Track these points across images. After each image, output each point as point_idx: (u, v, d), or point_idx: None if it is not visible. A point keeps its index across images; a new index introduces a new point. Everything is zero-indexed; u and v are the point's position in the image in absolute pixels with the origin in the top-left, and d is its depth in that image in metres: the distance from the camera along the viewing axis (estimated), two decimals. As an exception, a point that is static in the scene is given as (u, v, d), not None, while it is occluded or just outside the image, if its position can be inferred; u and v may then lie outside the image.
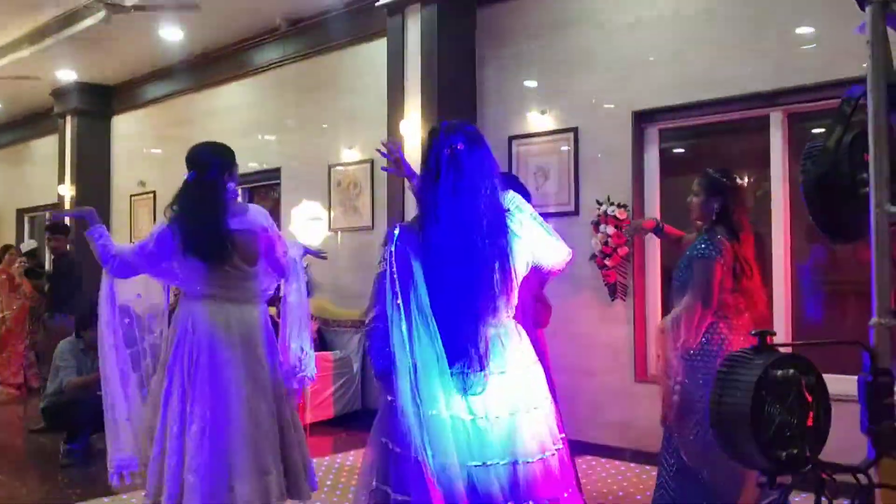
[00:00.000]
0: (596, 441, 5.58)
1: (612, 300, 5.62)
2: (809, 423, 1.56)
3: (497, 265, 2.31)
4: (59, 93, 10.33)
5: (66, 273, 7.59)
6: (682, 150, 5.98)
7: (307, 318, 3.75)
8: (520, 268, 2.39)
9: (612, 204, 5.57)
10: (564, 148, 5.89)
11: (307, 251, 3.92)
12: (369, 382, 7.07)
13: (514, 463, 2.28)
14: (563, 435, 2.49)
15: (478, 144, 2.41)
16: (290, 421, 3.53)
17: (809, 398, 1.55)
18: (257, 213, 3.52)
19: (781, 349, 1.60)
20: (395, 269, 2.31)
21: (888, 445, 1.56)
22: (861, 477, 1.54)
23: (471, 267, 2.28)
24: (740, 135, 5.68)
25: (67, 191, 10.29)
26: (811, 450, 1.56)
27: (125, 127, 10.41)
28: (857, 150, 1.69)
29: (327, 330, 7.23)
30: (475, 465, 2.25)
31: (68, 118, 10.38)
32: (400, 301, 2.28)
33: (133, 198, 10.06)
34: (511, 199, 2.44)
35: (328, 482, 4.86)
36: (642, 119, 5.59)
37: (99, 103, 10.30)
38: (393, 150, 2.69)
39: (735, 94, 5.11)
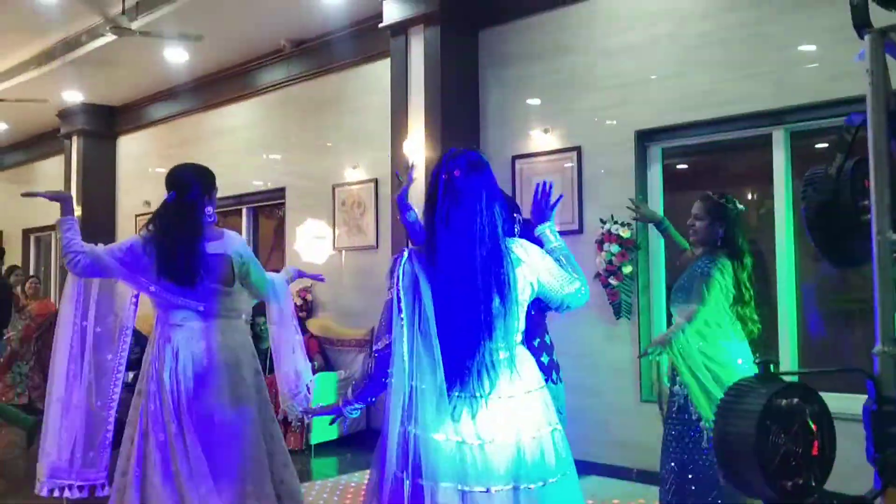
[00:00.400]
0: (601, 461, 5.56)
1: (617, 319, 5.61)
2: (814, 452, 1.56)
3: (495, 291, 2.30)
4: (66, 114, 10.40)
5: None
6: (684, 167, 5.98)
7: (294, 338, 3.63)
8: (522, 293, 2.38)
9: (615, 223, 5.58)
10: (568, 165, 5.90)
11: (301, 274, 3.85)
12: (375, 403, 7.05)
13: (517, 489, 2.26)
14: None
15: (477, 170, 2.38)
16: (280, 443, 3.48)
17: (815, 427, 1.55)
18: (233, 239, 3.46)
19: (786, 377, 1.59)
20: (400, 289, 2.32)
21: (894, 475, 1.55)
22: (867, 507, 1.53)
23: (468, 293, 2.28)
24: (742, 152, 5.70)
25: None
26: (816, 479, 1.55)
27: (130, 147, 10.46)
28: (859, 176, 1.69)
29: (331, 349, 7.22)
30: (478, 491, 2.24)
31: (74, 139, 10.45)
32: (404, 321, 2.29)
33: (138, 217, 10.08)
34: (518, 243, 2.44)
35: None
36: (645, 138, 5.61)
37: (104, 124, 10.37)
38: (408, 176, 2.69)
39: (737, 112, 5.12)
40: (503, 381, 2.32)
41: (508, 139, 6.29)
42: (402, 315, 2.31)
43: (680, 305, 3.62)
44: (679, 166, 5.91)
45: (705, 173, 6.07)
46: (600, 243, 5.62)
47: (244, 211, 8.83)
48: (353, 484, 5.39)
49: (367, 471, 5.78)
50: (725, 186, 5.98)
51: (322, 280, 4.17)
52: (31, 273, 10.80)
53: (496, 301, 2.30)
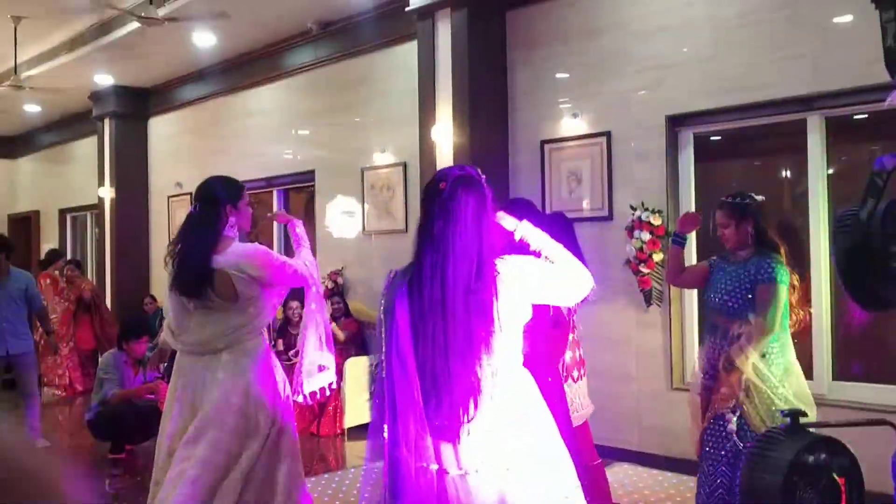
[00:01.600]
0: (632, 448, 5.59)
1: (648, 306, 5.58)
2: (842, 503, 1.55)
3: (477, 313, 2.18)
4: (97, 96, 10.49)
5: None
6: (718, 138, 5.82)
7: (319, 327, 3.61)
8: (510, 315, 2.22)
9: (646, 209, 5.52)
10: (598, 150, 5.83)
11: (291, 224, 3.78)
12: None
13: None
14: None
15: (466, 185, 2.28)
16: (264, 462, 3.30)
17: (842, 482, 1.54)
18: (244, 256, 3.29)
19: (814, 430, 1.58)
20: (381, 317, 2.30)
21: (923, 528, 1.54)
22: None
23: (449, 319, 2.18)
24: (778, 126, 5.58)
25: (107, 193, 10.48)
26: (843, 534, 1.55)
27: (161, 129, 10.55)
28: (890, 219, 1.65)
29: (364, 332, 7.29)
30: None
31: (106, 121, 10.55)
32: (384, 349, 2.26)
33: (170, 199, 10.20)
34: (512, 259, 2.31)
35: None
36: (676, 123, 5.52)
37: (136, 106, 10.45)
38: None
39: (771, 98, 5.01)
40: (487, 409, 2.18)
41: (537, 124, 6.23)
42: (383, 345, 2.27)
43: (737, 315, 3.51)
44: (713, 137, 5.75)
45: (740, 142, 5.91)
46: (630, 230, 5.57)
47: (274, 193, 8.88)
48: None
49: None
50: (761, 156, 5.90)
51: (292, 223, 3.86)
52: (69, 257, 10.99)
53: (480, 327, 2.17)
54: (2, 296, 6.05)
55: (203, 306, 3.26)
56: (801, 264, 5.20)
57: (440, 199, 2.26)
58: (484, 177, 2.38)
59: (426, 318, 2.20)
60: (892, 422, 1.63)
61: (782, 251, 3.64)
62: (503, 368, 2.22)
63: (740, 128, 5.41)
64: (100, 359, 6.01)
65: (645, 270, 5.53)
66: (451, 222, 2.22)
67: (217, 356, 3.27)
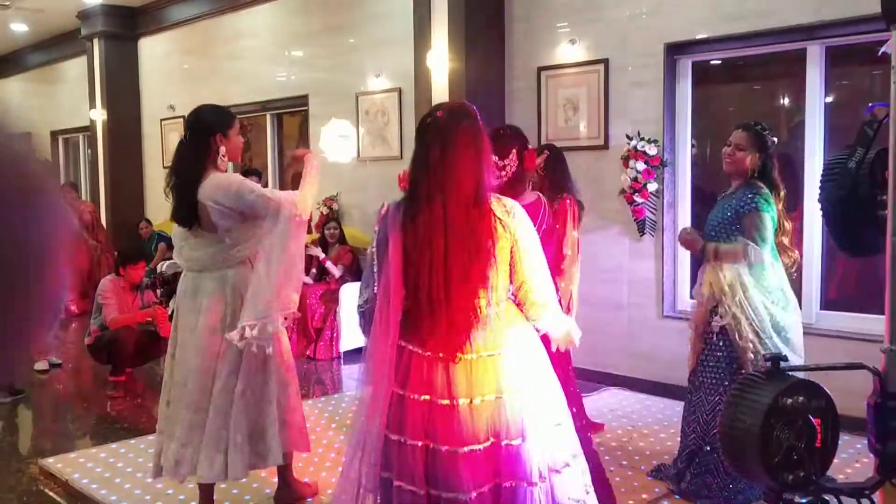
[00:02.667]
0: (620, 373, 5.72)
1: (641, 235, 5.63)
2: (818, 443, 1.62)
3: (480, 233, 2.21)
4: (85, 15, 10.27)
5: None
6: (718, 62, 5.75)
7: (280, 255, 3.33)
8: (501, 252, 2.25)
9: (642, 139, 5.50)
10: (594, 78, 5.77)
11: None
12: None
13: (497, 445, 2.21)
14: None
15: (463, 116, 2.29)
16: (256, 389, 3.36)
17: (818, 422, 1.60)
18: (218, 187, 3.25)
19: (793, 374, 1.64)
20: (372, 251, 2.34)
21: (893, 466, 1.61)
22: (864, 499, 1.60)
23: (450, 233, 2.19)
24: (775, 65, 5.53)
25: (99, 115, 10.36)
26: (816, 472, 1.62)
27: (152, 50, 10.35)
28: (879, 168, 1.67)
29: (360, 259, 7.35)
30: (462, 450, 2.18)
31: (95, 41, 10.35)
32: (376, 281, 2.29)
33: (163, 122, 10.10)
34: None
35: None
36: (674, 51, 5.45)
37: (125, 25, 10.24)
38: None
39: (772, 26, 4.94)
40: (481, 338, 2.23)
41: (534, 50, 6.14)
42: (375, 277, 2.28)
43: (723, 241, 3.56)
44: (713, 62, 5.69)
45: (738, 69, 5.84)
46: (626, 160, 5.56)
47: (268, 117, 8.80)
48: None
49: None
50: (760, 81, 5.86)
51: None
52: (70, 179, 10.96)
53: (481, 248, 2.20)
54: None
55: (193, 234, 3.34)
56: (795, 191, 5.25)
57: (436, 126, 2.27)
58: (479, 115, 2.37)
59: (422, 245, 2.20)
60: (869, 365, 1.69)
61: (781, 194, 3.63)
62: (499, 297, 2.26)
63: (739, 55, 5.35)
64: (99, 283, 6.05)
65: (639, 200, 5.55)
66: (448, 147, 2.22)
67: (205, 278, 3.36)
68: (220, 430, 3.27)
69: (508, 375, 2.25)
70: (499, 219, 2.23)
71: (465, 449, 2.17)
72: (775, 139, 3.70)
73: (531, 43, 6.16)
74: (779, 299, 3.51)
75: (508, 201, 2.31)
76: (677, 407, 4.41)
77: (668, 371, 5.23)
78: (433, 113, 2.33)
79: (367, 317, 2.39)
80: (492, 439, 2.21)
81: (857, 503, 1.64)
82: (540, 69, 6.10)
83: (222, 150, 3.36)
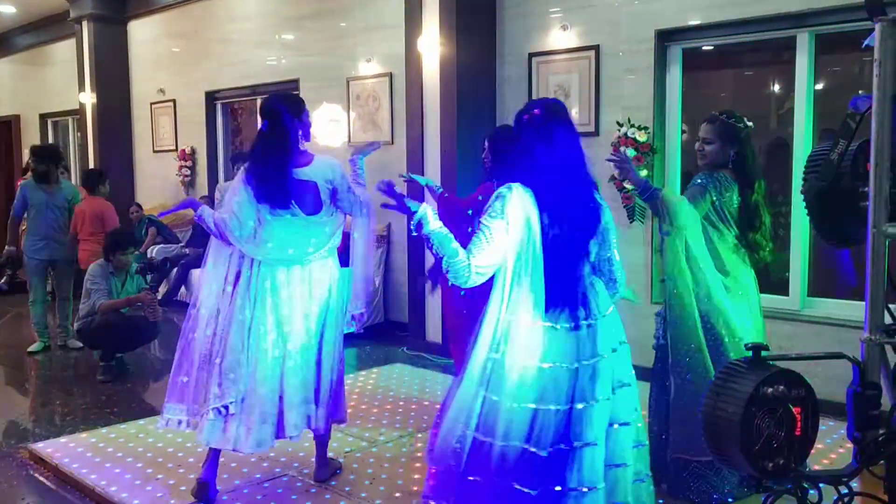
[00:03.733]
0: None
1: (631, 222, 5.65)
2: (797, 432, 1.64)
3: (593, 221, 2.52)
4: (73, -3, 10.19)
5: None
6: (709, 48, 5.74)
7: (366, 256, 3.85)
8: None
9: (632, 125, 5.51)
10: (586, 64, 5.76)
11: (361, 154, 3.91)
12: (391, 296, 7.25)
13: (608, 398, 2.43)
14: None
15: (558, 114, 2.53)
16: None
17: (798, 411, 1.63)
18: (322, 164, 3.60)
19: (775, 362, 1.66)
20: (509, 221, 2.42)
21: (871, 455, 1.64)
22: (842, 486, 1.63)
23: (576, 231, 2.47)
24: (765, 52, 5.54)
25: (88, 98, 10.29)
26: (796, 459, 1.65)
27: (142, 33, 10.27)
28: (861, 160, 1.69)
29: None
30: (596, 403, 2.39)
31: (84, 23, 10.26)
32: (512, 255, 2.43)
33: (153, 105, 10.05)
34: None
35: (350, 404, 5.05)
36: (665, 38, 5.45)
37: (114, 8, 10.15)
38: (387, 189, 2.58)
39: (762, 13, 4.94)
40: (595, 304, 2.51)
41: (525, 35, 6.13)
42: (512, 248, 2.42)
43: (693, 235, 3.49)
44: (704, 48, 5.69)
45: (729, 55, 5.82)
46: (616, 146, 5.57)
47: (258, 101, 8.75)
48: (371, 378, 5.62)
49: (385, 366, 6.03)
50: (752, 67, 5.88)
51: (378, 146, 4.17)
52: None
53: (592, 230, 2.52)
54: (50, 204, 6.64)
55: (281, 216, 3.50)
56: (783, 178, 5.27)
57: (537, 124, 2.50)
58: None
59: (557, 223, 2.43)
60: (848, 355, 1.71)
61: (762, 185, 3.52)
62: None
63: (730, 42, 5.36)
64: (87, 269, 6.04)
65: (629, 187, 5.56)
66: (559, 147, 2.47)
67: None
68: None
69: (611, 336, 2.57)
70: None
71: None
72: (750, 124, 3.53)
73: (522, 29, 6.14)
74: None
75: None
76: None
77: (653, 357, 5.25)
78: (531, 110, 2.56)
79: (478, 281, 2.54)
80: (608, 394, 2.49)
81: (835, 490, 1.66)
82: (531, 55, 6.09)
83: (301, 133, 3.60)
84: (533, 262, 2.41)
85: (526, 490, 2.28)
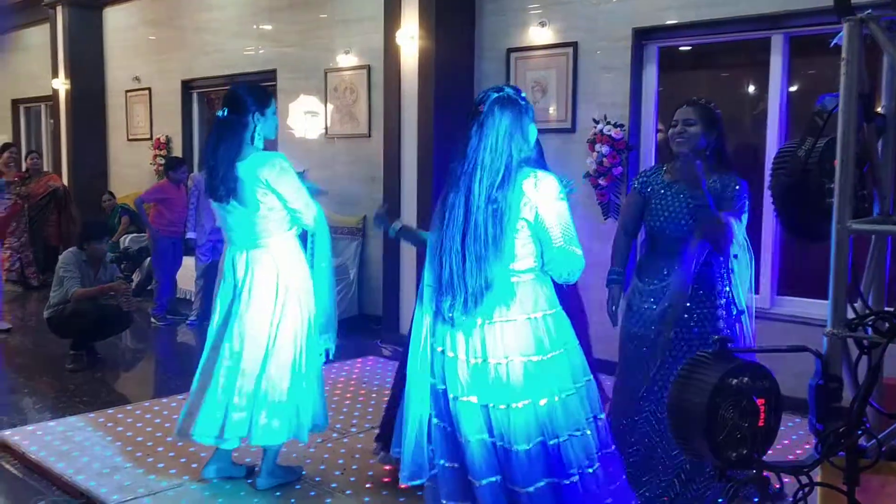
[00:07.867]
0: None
1: (605, 218, 5.69)
2: (760, 423, 1.67)
3: (492, 216, 2.40)
4: (48, -19, 10.05)
5: None
6: (687, 48, 5.77)
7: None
8: (512, 223, 2.44)
9: (608, 123, 5.55)
10: (563, 60, 5.79)
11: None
12: (366, 289, 7.24)
13: (485, 406, 2.46)
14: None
15: (500, 106, 2.46)
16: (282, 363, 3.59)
17: (761, 403, 1.66)
18: (257, 162, 3.36)
19: (739, 355, 1.69)
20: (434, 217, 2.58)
21: (832, 446, 1.67)
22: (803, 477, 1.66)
23: (465, 225, 2.43)
24: (741, 53, 5.59)
25: (62, 85, 10.16)
26: (759, 450, 1.68)
27: (117, 20, 10.14)
28: (829, 157, 1.72)
29: (325, 236, 7.33)
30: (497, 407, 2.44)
31: (59, 8, 10.12)
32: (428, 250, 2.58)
33: (128, 93, 9.94)
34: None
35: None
36: (642, 36, 5.49)
37: (89, -7, 10.04)
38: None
39: (738, 14, 5.00)
40: (495, 305, 2.45)
41: (504, 31, 6.15)
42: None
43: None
44: (682, 48, 5.74)
45: (705, 55, 5.87)
46: (592, 143, 5.61)
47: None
48: (344, 370, 5.62)
49: (360, 359, 6.02)
50: (727, 69, 5.93)
51: (324, 193, 4.22)
52: (32, 148, 10.76)
53: (490, 230, 2.41)
54: None
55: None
56: (757, 179, 5.33)
57: (477, 120, 2.47)
58: (524, 94, 2.57)
59: (450, 217, 2.45)
60: (811, 347, 1.74)
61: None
62: (508, 271, 2.46)
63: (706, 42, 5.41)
64: (60, 257, 5.97)
65: (604, 183, 5.61)
66: (483, 138, 2.44)
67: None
68: None
69: (517, 343, 2.53)
70: (522, 189, 2.45)
71: None
72: (719, 112, 3.40)
73: (501, 24, 6.16)
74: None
75: (543, 175, 2.53)
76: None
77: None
78: (476, 107, 2.51)
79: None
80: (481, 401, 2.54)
81: (796, 480, 1.70)
82: (509, 50, 6.11)
83: (259, 127, 3.46)
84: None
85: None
